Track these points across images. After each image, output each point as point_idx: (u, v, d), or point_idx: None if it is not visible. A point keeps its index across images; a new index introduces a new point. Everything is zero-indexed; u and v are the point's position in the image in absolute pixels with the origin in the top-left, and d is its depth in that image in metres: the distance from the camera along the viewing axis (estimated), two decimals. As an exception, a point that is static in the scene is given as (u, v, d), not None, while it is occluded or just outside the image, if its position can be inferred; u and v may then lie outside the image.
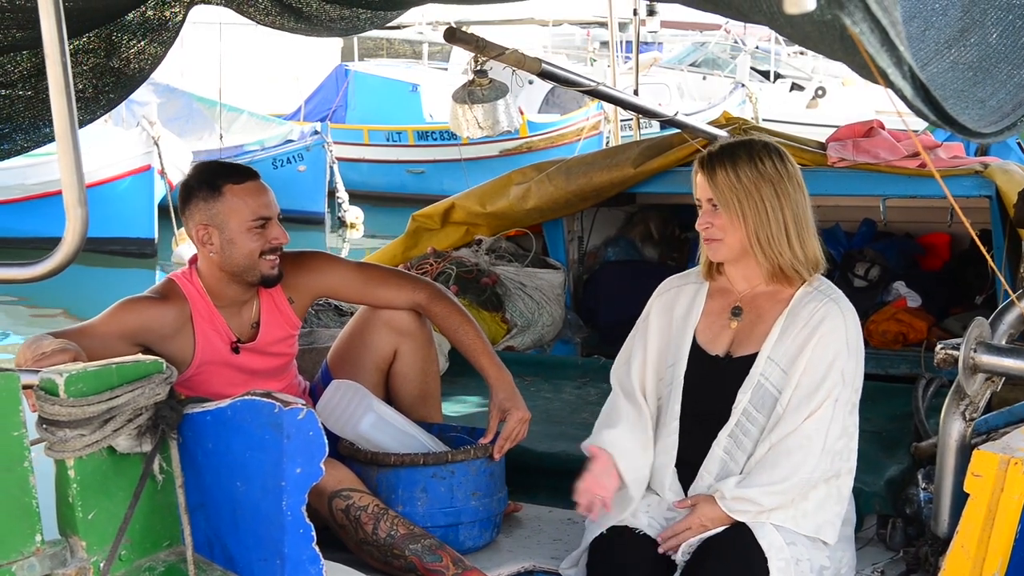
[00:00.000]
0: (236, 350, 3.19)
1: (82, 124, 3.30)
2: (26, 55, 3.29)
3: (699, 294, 2.94)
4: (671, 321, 2.94)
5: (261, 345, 3.24)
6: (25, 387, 2.10)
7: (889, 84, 1.49)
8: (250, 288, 3.21)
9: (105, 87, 3.55)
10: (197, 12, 3.68)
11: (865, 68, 1.65)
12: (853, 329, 2.78)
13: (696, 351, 2.87)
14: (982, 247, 2.58)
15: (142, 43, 3.53)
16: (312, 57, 23.03)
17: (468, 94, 3.98)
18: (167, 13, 3.48)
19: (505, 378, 3.24)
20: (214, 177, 3.13)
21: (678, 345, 2.90)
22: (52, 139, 3.57)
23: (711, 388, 2.83)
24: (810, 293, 2.82)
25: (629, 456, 2.83)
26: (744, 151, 2.80)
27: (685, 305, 2.94)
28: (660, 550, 2.72)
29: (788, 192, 2.77)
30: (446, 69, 22.02)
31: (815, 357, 2.73)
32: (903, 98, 1.55)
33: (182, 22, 3.55)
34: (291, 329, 3.32)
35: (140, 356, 2.29)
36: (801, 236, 2.78)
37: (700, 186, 2.84)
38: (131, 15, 3.42)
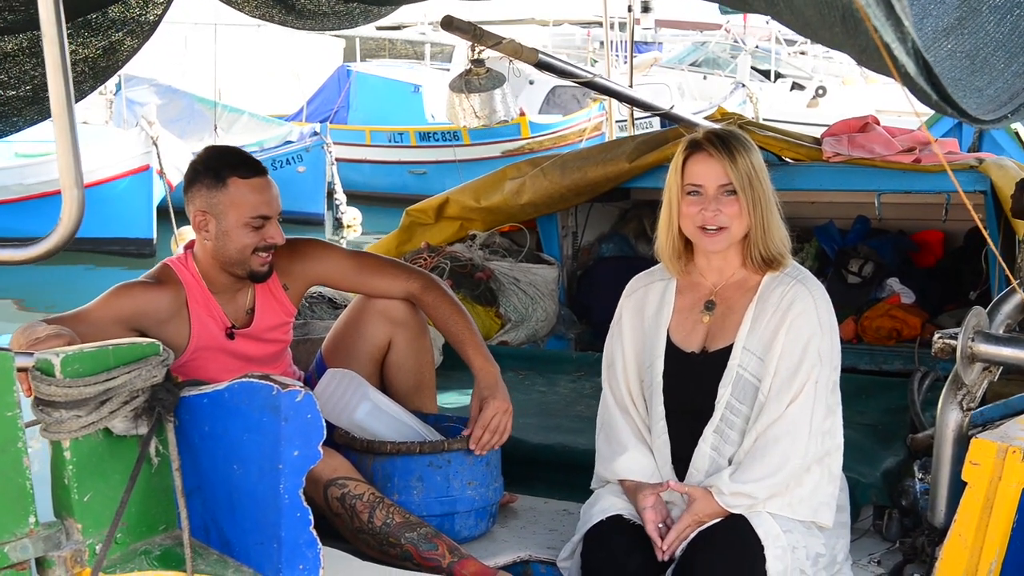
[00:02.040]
0: (231, 336, 3.18)
1: (48, 116, 3.26)
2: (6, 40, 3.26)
3: (668, 291, 2.90)
4: (643, 322, 2.91)
5: (256, 331, 3.23)
6: (19, 370, 2.08)
7: (892, 59, 1.48)
8: (239, 279, 3.19)
9: (77, 77, 3.51)
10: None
11: (866, 52, 1.64)
12: (824, 307, 2.76)
13: (671, 349, 2.85)
14: (987, 236, 2.59)
15: (119, 34, 3.50)
16: (314, 58, 23.03)
17: (465, 83, 3.97)
18: (148, 6, 3.45)
19: (490, 370, 3.21)
20: (222, 166, 3.10)
21: (652, 345, 2.87)
22: (20, 128, 3.56)
23: (691, 385, 2.81)
24: (777, 277, 2.81)
25: (648, 472, 2.84)
26: (745, 139, 2.80)
27: (655, 304, 2.91)
28: (664, 546, 2.69)
29: (772, 184, 2.80)
30: (448, 70, 22.02)
31: (789, 341, 2.71)
32: (906, 76, 1.54)
33: (162, 15, 3.52)
34: (286, 316, 3.30)
35: (137, 339, 2.27)
36: (783, 227, 2.81)
37: (711, 171, 2.75)
38: (112, 8, 3.39)
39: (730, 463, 2.74)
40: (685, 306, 2.88)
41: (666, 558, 2.69)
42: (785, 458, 2.66)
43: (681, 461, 2.81)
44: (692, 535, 2.70)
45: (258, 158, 3.25)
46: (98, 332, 2.84)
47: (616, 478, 2.86)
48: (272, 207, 3.13)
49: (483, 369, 3.21)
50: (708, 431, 2.76)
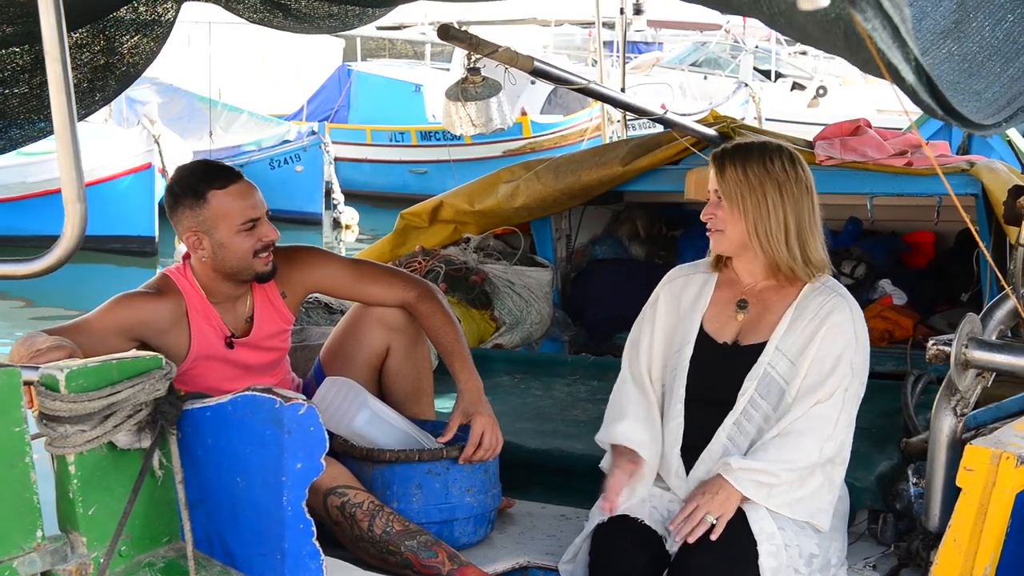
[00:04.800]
0: (230, 344, 3.19)
1: (79, 119, 3.27)
2: (19, 51, 3.27)
3: (708, 283, 3.00)
4: (679, 308, 2.99)
5: (255, 340, 3.24)
6: (23, 384, 2.09)
7: (898, 79, 1.50)
8: (243, 284, 3.21)
9: (100, 82, 3.53)
10: (193, 12, 3.66)
11: (869, 64, 1.66)
12: (860, 323, 2.85)
13: (703, 338, 2.93)
14: (979, 241, 2.62)
15: (135, 38, 3.52)
16: (315, 57, 22.96)
17: (461, 92, 3.99)
18: (159, 9, 3.47)
19: (474, 384, 3.24)
20: (197, 183, 3.10)
21: (685, 331, 2.95)
22: (48, 134, 3.57)
23: (717, 374, 2.88)
24: (817, 288, 2.88)
25: (646, 446, 2.88)
26: (757, 150, 2.88)
27: (694, 293, 3.00)
28: (679, 538, 2.71)
29: (793, 193, 2.83)
30: (448, 69, 22.00)
31: (823, 349, 2.79)
32: (911, 92, 1.56)
33: (174, 18, 3.54)
34: (284, 324, 3.32)
35: (140, 352, 2.29)
36: (801, 237, 2.83)
37: (711, 178, 2.91)
38: (123, 11, 3.41)
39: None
40: (722, 300, 2.97)
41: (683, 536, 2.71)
42: (802, 452, 2.72)
43: (690, 450, 2.86)
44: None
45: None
46: (99, 343, 2.86)
47: (612, 441, 2.91)
48: (258, 208, 3.14)
49: (467, 383, 3.24)
50: (728, 422, 2.82)
